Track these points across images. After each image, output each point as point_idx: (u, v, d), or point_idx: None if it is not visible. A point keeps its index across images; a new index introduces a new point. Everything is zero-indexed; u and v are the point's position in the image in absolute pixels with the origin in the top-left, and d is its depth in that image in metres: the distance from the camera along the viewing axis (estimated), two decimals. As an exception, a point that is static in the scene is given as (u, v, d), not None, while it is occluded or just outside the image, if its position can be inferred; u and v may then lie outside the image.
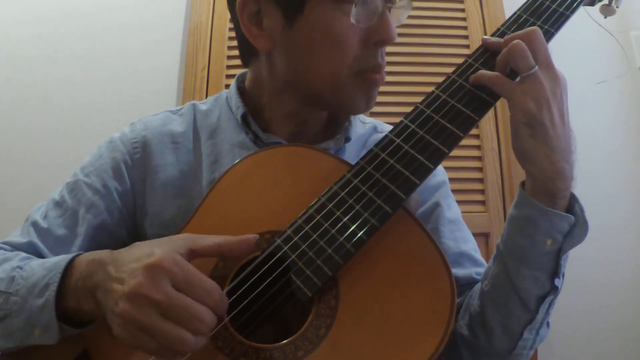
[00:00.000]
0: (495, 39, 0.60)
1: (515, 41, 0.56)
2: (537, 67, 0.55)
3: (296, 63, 0.66)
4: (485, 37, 0.61)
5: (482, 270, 0.70)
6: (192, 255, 0.50)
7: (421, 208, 0.73)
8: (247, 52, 0.72)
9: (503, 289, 0.59)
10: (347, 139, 0.74)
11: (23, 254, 0.62)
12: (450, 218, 0.74)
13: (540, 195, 0.57)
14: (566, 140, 0.56)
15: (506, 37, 0.58)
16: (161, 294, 0.45)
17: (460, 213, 0.77)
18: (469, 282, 0.69)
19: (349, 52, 0.63)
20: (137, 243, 0.53)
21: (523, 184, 0.60)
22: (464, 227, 0.76)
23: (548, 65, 0.56)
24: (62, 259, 0.57)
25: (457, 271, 0.68)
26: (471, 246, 0.73)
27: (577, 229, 0.57)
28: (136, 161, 0.71)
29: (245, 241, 0.53)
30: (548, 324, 0.63)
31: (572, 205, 0.58)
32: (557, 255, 0.57)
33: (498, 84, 0.57)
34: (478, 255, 0.73)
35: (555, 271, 0.58)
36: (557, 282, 0.58)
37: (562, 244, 0.57)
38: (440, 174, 0.78)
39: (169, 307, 0.45)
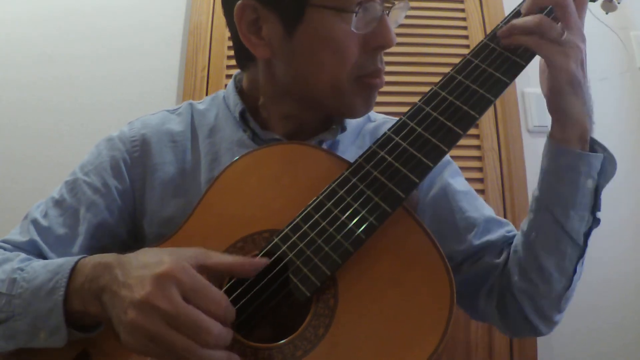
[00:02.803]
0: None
1: (537, 16, 0.58)
2: (566, 32, 0.57)
3: (296, 70, 0.66)
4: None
5: (509, 227, 0.75)
6: (202, 270, 0.50)
7: (431, 192, 0.75)
8: (243, 56, 0.72)
9: (553, 234, 0.63)
10: (343, 129, 0.75)
11: (23, 255, 0.62)
12: (464, 191, 0.76)
13: (573, 143, 0.61)
14: (588, 92, 0.61)
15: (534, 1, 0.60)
16: (169, 304, 0.46)
17: (468, 184, 0.79)
18: (504, 241, 0.72)
19: (349, 58, 0.63)
20: (146, 249, 0.53)
21: (550, 137, 0.63)
22: (476, 194, 0.78)
23: (577, 28, 0.59)
24: (66, 261, 0.56)
25: (490, 236, 0.72)
26: (490, 210, 0.76)
27: (607, 164, 0.62)
28: (135, 160, 0.72)
29: (257, 265, 0.54)
30: None
31: (592, 145, 0.62)
32: (594, 192, 0.62)
33: (540, 45, 0.58)
34: (497, 216, 0.76)
35: (594, 205, 0.62)
36: (597, 214, 0.63)
37: (598, 181, 0.61)
38: None
39: (177, 317, 0.46)
